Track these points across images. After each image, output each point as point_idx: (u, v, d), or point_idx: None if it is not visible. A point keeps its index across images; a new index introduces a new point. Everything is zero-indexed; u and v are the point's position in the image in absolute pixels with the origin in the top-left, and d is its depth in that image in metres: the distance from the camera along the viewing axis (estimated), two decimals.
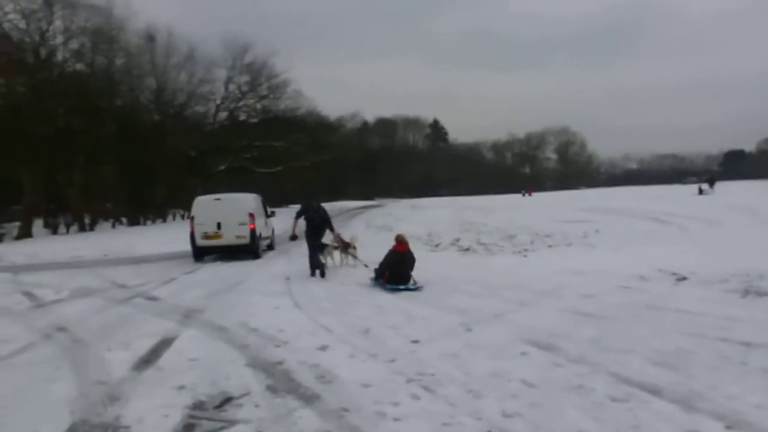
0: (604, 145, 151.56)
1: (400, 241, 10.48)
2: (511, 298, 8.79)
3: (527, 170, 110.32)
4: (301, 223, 12.62)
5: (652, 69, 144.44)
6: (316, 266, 11.90)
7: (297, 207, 13.50)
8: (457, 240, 16.78)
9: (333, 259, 13.17)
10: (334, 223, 13.27)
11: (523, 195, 54.02)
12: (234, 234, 15.35)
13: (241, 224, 15.37)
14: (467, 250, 15.40)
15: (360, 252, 13.34)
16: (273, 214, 18.74)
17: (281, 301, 9.22)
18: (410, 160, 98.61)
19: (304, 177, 51.07)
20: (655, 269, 10.50)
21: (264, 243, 16.84)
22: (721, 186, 44.88)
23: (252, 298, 9.69)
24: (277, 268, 13.60)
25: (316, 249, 12.24)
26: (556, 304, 8.24)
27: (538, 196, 46.67)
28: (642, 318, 7.21)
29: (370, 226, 24.97)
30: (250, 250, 15.60)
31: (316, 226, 12.40)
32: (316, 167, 51.26)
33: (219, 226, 15.37)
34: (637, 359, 5.47)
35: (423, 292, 9.53)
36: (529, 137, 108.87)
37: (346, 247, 13.30)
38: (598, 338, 6.28)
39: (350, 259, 13.14)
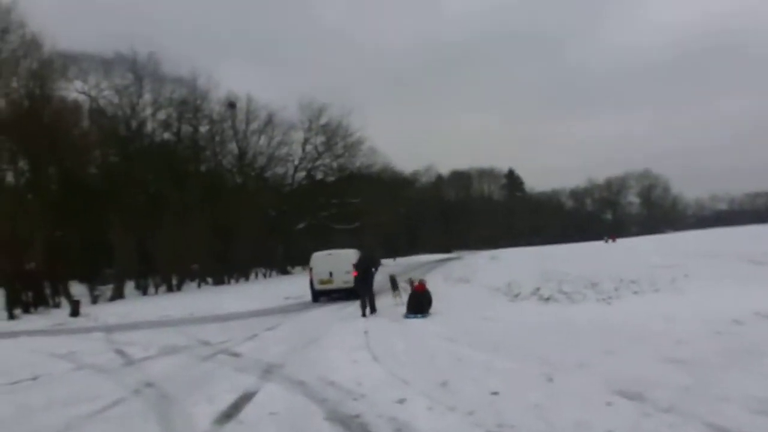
0: (690, 187, 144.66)
1: (420, 284, 14.78)
2: (596, 347, 8.46)
3: (609, 216, 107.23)
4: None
5: (736, 104, 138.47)
6: (364, 307, 15.05)
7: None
8: (538, 289, 16.35)
9: (401, 298, 16.34)
10: (413, 275, 17.00)
11: (606, 241, 52.13)
12: (342, 280, 19.53)
13: (347, 272, 19.00)
14: (548, 299, 14.99)
15: (436, 305, 14.57)
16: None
17: (359, 355, 9.24)
18: (487, 211, 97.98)
19: (382, 232, 51.60)
20: (752, 312, 9.90)
21: None
22: None
23: (330, 352, 9.76)
24: (356, 323, 13.69)
25: (363, 293, 15.32)
26: (644, 351, 7.87)
27: (622, 242, 45.01)
28: (739, 363, 6.77)
29: (448, 279, 24.73)
30: (353, 292, 18.66)
31: (365, 273, 15.71)
32: (393, 222, 51.81)
33: (330, 274, 19.96)
34: (734, 407, 5.14)
35: (503, 346, 9.31)
36: (610, 182, 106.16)
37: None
38: (690, 386, 5.94)
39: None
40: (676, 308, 11.29)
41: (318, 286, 20.27)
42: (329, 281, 19.91)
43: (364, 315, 14.85)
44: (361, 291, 15.54)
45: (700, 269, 15.82)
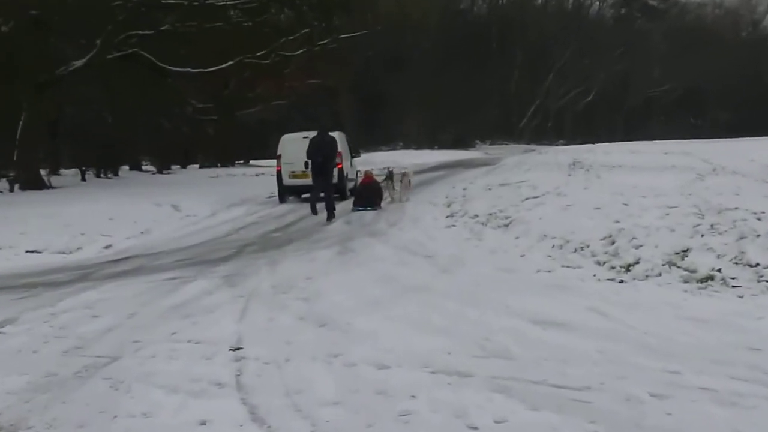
0: None
1: (367, 176, 30.56)
2: None
3: None
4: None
5: None
6: (314, 205, 25.66)
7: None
8: (684, 255, 16.23)
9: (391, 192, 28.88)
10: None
11: None
12: None
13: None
14: (708, 280, 14.87)
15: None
16: (359, 154, 39.07)
17: (216, 405, 9.06)
18: (564, 45, 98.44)
19: (299, 91, 51.53)
20: None
21: (350, 184, 32.81)
22: None
23: (143, 396, 9.49)
24: (218, 320, 13.28)
25: (319, 189, 25.77)
26: None
27: None
28: None
29: (454, 214, 24.73)
30: (337, 190, 29.68)
31: (320, 164, 25.66)
32: (321, 68, 51.57)
33: (307, 165, 27.93)
34: None
35: (586, 395, 9.16)
36: None
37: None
38: None
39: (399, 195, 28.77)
40: None
41: (288, 180, 31.64)
42: (304, 174, 28.62)
43: (314, 213, 25.70)
44: (315, 185, 26.70)
45: None
